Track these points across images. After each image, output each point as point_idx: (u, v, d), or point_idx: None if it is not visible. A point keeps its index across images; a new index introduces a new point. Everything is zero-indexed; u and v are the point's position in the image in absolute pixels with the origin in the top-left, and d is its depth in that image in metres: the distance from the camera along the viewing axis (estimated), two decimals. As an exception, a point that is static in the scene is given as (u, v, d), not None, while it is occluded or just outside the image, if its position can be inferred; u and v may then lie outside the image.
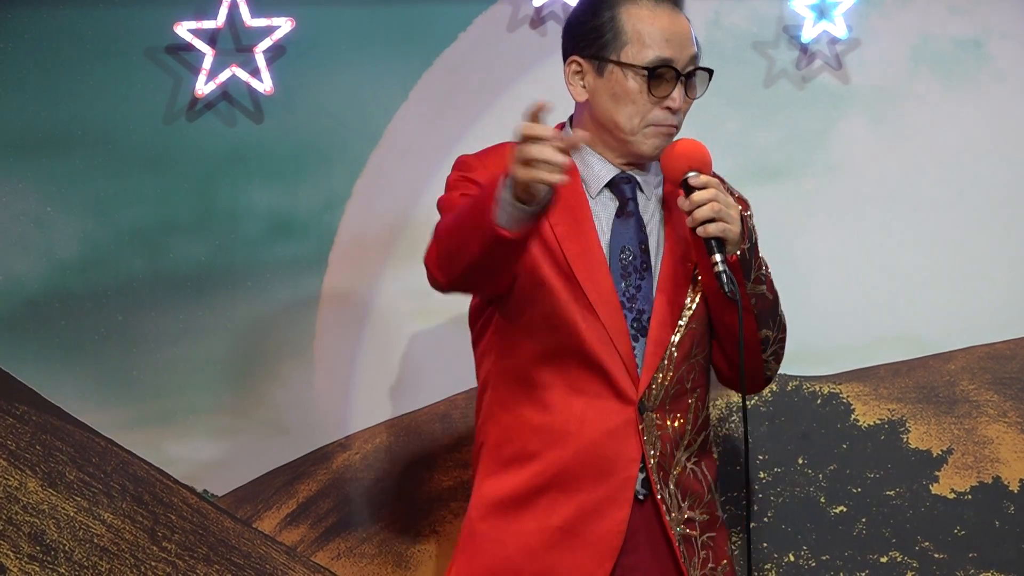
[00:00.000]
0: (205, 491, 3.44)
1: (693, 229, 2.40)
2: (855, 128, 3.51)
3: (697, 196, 2.40)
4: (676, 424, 2.54)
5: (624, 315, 2.50)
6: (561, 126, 2.61)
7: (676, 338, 2.52)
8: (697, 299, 2.55)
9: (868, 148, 3.49)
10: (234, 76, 3.39)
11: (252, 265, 3.48)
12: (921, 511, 3.39)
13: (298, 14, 3.39)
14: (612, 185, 2.55)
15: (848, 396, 3.43)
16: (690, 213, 2.40)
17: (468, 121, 3.48)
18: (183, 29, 3.37)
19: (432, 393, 3.42)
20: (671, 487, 2.51)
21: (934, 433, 3.44)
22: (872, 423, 3.43)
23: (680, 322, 2.52)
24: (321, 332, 3.47)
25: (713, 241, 2.39)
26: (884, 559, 3.39)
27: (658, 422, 2.51)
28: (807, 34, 3.39)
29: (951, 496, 3.41)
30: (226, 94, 3.44)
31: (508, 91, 3.48)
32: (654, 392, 2.50)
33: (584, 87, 2.55)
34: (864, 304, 3.47)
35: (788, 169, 3.49)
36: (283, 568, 3.40)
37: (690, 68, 2.52)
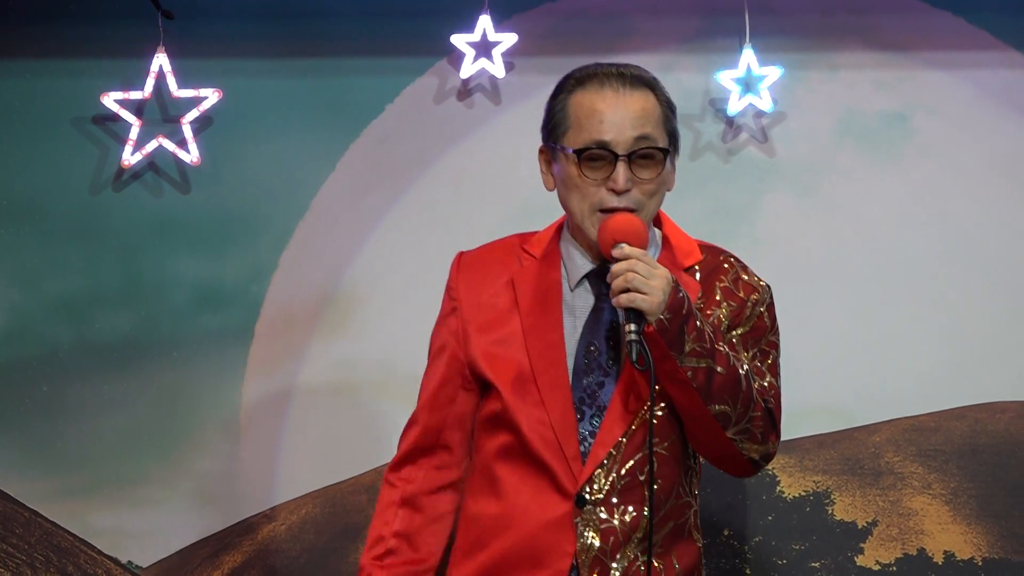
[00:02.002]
0: (130, 562, 3.46)
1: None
2: (781, 201, 3.56)
3: (614, 267, 2.41)
4: (627, 517, 2.53)
5: (581, 412, 2.51)
6: (562, 219, 2.64)
7: (631, 429, 2.52)
8: (661, 391, 2.53)
9: (793, 220, 3.55)
10: (161, 147, 3.45)
11: (178, 336, 3.51)
12: None
13: (225, 85, 3.44)
14: (590, 278, 2.57)
15: (773, 468, 3.48)
16: (610, 283, 2.43)
17: (396, 192, 3.53)
18: (110, 99, 3.43)
19: (357, 464, 3.47)
20: None
21: (859, 505, 3.49)
22: (797, 495, 3.48)
23: (639, 415, 2.52)
24: (247, 403, 3.50)
25: (630, 311, 2.39)
26: (809, 632, 3.44)
27: (601, 515, 2.51)
28: (733, 107, 3.46)
29: (876, 568, 3.47)
30: (153, 164, 3.49)
31: (436, 162, 3.54)
32: (595, 485, 2.51)
33: (552, 176, 2.58)
34: (789, 376, 3.31)
35: (714, 241, 3.35)
36: (208, 640, 3.43)
37: (637, 148, 2.49)
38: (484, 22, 3.42)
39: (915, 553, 3.46)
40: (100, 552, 3.45)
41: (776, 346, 2.68)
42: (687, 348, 2.45)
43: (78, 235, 3.53)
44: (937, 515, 3.48)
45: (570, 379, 2.52)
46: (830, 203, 3.55)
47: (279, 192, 3.53)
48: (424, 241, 3.49)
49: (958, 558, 3.46)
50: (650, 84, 2.55)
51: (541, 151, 2.60)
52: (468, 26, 3.44)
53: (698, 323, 2.47)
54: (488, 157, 3.50)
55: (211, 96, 3.42)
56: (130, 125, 3.45)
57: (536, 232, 2.66)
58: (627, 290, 2.40)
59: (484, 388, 2.60)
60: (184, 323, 3.52)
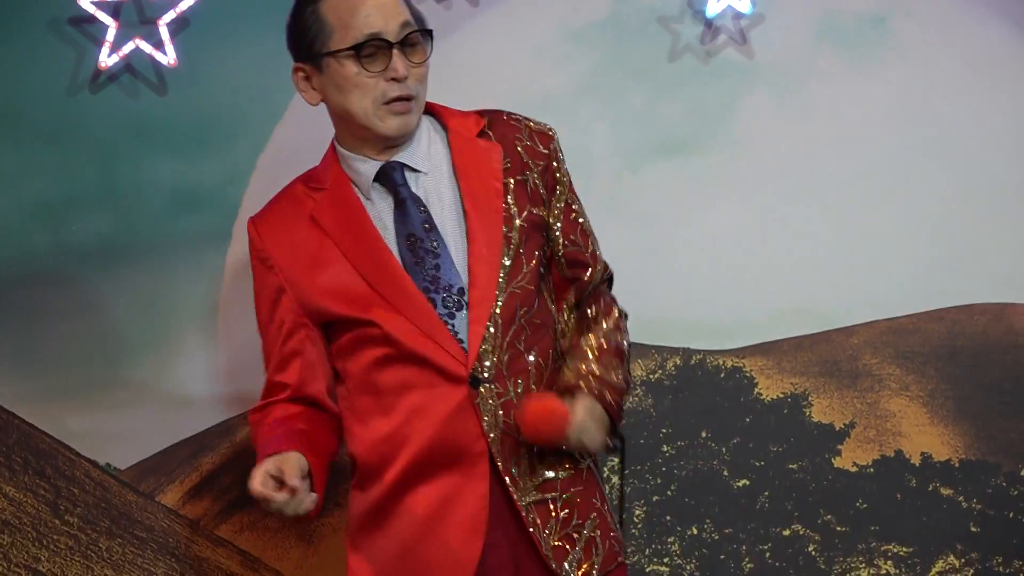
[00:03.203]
0: (108, 464, 3.53)
1: None
2: (759, 103, 3.60)
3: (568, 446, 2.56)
4: (519, 389, 2.60)
5: (432, 300, 2.58)
6: (331, 143, 2.73)
7: (499, 303, 2.60)
8: (512, 256, 2.61)
9: (771, 123, 3.60)
10: (137, 48, 3.48)
11: (155, 238, 3.55)
12: (823, 484, 3.53)
13: None
14: (381, 178, 2.64)
15: (751, 370, 3.56)
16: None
17: None
18: (86, 1, 3.44)
19: None
20: (521, 455, 2.58)
21: (836, 407, 3.57)
22: (775, 397, 3.56)
23: (498, 284, 2.60)
24: (225, 305, 3.55)
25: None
26: (786, 532, 3.53)
27: (498, 391, 2.58)
28: (712, 9, 3.52)
29: (853, 469, 3.54)
30: (129, 66, 3.52)
31: None
32: (486, 363, 2.57)
33: (315, 89, 2.65)
34: (767, 279, 3.58)
35: (692, 144, 3.59)
36: (186, 542, 3.50)
37: (404, 34, 2.57)
38: None
39: (892, 455, 3.54)
40: (78, 454, 3.51)
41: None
42: (623, 409, 2.68)
43: (54, 138, 3.55)
44: (914, 417, 3.56)
45: (408, 275, 2.59)
46: (808, 105, 3.60)
47: (257, 94, 3.54)
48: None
49: (935, 459, 3.54)
50: None
51: (297, 70, 2.67)
52: None
53: (614, 393, 2.63)
54: (466, 59, 3.54)
55: None
56: (107, 27, 3.47)
57: (311, 168, 2.76)
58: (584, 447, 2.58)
59: (332, 325, 2.66)
60: (162, 225, 3.56)
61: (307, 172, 2.75)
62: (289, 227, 2.68)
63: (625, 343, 2.72)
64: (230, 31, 3.55)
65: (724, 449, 3.53)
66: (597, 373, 2.62)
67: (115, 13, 3.46)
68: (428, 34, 2.61)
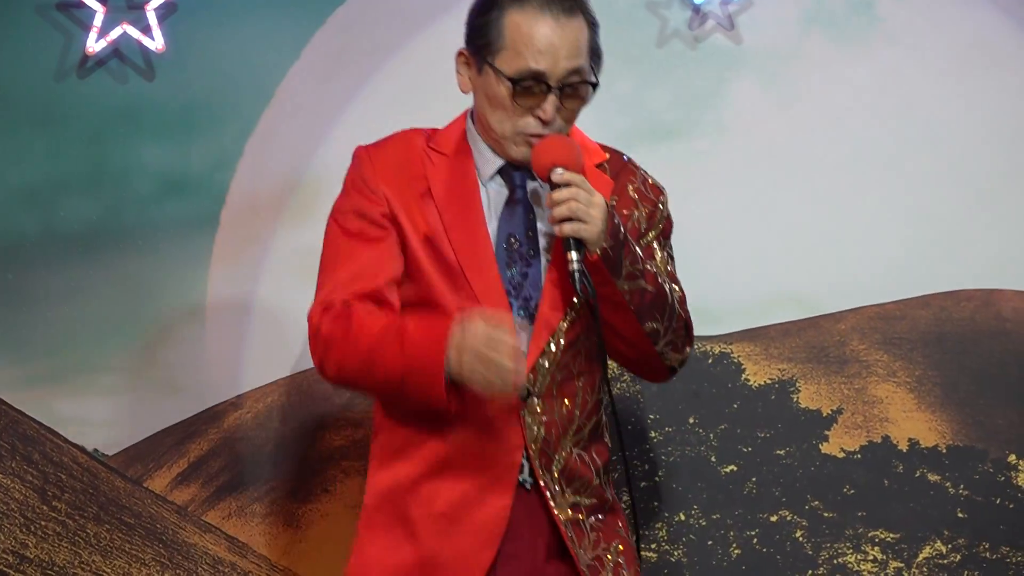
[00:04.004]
0: (96, 450, 3.57)
1: None
2: (747, 89, 3.64)
3: (555, 194, 2.48)
4: (563, 410, 2.62)
5: (510, 303, 2.58)
6: (465, 114, 2.71)
7: (565, 324, 2.60)
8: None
9: (760, 109, 3.64)
10: (125, 33, 3.54)
11: (143, 224, 3.60)
12: (811, 470, 3.57)
13: None
14: (503, 172, 2.64)
15: (739, 356, 3.60)
16: (552, 210, 2.50)
17: (360, 80, 3.61)
18: (74, -15, 3.50)
19: None
20: (554, 473, 2.59)
21: (824, 393, 3.60)
22: (762, 383, 3.60)
23: (570, 308, 2.60)
24: (213, 291, 3.60)
25: (571, 240, 2.47)
26: (774, 518, 3.56)
27: (543, 407, 2.59)
28: (700, -7, 3.56)
29: (840, 455, 3.58)
30: (117, 51, 3.57)
31: (400, 50, 3.61)
32: (539, 378, 2.59)
33: (468, 80, 2.64)
34: (755, 264, 3.62)
35: (680, 129, 3.63)
36: (173, 528, 3.54)
37: (568, 80, 2.56)
38: None
39: (880, 440, 3.58)
40: (66, 440, 3.55)
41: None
42: (624, 271, 2.55)
43: (42, 123, 3.60)
44: (902, 403, 3.60)
45: (499, 271, 2.58)
46: (797, 91, 3.64)
47: (244, 79, 3.60)
48: (389, 129, 3.50)
49: (922, 445, 3.58)
50: (582, 7, 2.61)
51: (461, 54, 2.64)
52: None
53: (632, 246, 2.58)
54: (454, 44, 3.55)
55: None
56: (94, 11, 3.52)
57: (437, 129, 2.73)
58: (569, 218, 2.47)
59: (408, 273, 2.62)
60: (149, 211, 3.60)
61: (429, 129, 2.74)
62: (400, 172, 2.67)
63: (670, 294, 2.66)
64: (218, 16, 3.59)
65: (711, 435, 3.56)
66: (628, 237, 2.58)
67: None
68: (593, 87, 2.61)
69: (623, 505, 2.76)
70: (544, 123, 2.57)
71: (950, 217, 3.64)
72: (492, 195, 2.66)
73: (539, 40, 2.54)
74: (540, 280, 2.61)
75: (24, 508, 3.50)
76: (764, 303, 3.63)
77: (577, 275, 2.46)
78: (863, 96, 3.64)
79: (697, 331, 3.48)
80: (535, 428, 2.59)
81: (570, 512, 2.62)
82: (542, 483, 2.58)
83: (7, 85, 3.59)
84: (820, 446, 3.58)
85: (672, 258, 2.79)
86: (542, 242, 2.63)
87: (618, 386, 3.57)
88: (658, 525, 3.55)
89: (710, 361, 3.57)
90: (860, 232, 3.63)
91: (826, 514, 3.56)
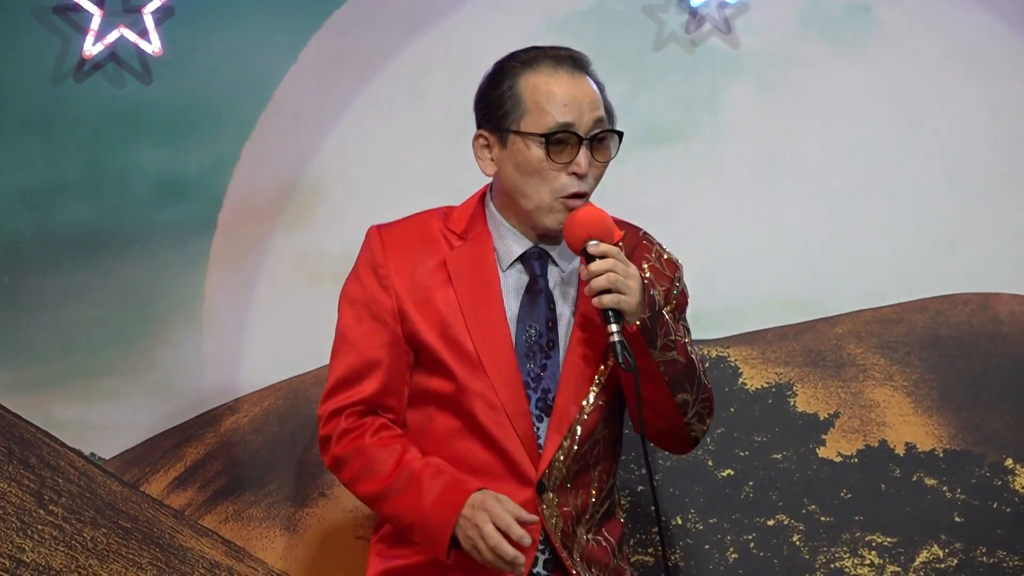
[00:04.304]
0: (93, 454, 3.56)
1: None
2: (743, 92, 3.65)
3: (593, 266, 2.47)
4: (579, 501, 2.62)
5: (527, 395, 2.58)
6: (482, 194, 2.71)
7: (583, 417, 2.60)
8: (607, 374, 2.61)
9: (756, 113, 3.64)
10: (122, 37, 3.54)
11: (140, 227, 3.59)
12: (807, 474, 3.57)
13: None
14: (524, 259, 2.63)
15: (736, 359, 3.60)
16: (588, 283, 2.48)
17: (358, 84, 3.61)
18: (71, -12, 3.51)
19: (321, 356, 3.46)
20: (576, 561, 2.59)
21: (821, 397, 3.60)
22: (759, 387, 3.60)
23: (587, 399, 2.60)
24: (210, 295, 3.59)
25: (609, 312, 2.46)
26: (771, 522, 3.56)
27: (559, 501, 2.59)
28: (696, -3, 3.57)
29: (837, 459, 3.58)
30: (114, 55, 3.58)
31: (399, 54, 3.61)
32: (555, 472, 2.58)
33: (492, 159, 2.62)
34: (751, 268, 3.62)
35: (677, 133, 3.63)
36: (170, 531, 3.54)
37: (595, 132, 2.57)
38: None
39: (876, 444, 3.58)
40: (63, 444, 3.55)
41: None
42: (659, 343, 2.55)
43: (39, 126, 3.60)
44: (899, 407, 3.60)
45: (517, 362, 2.58)
46: (793, 94, 3.65)
47: (241, 83, 3.60)
48: (387, 133, 3.61)
49: (919, 449, 3.58)
50: (587, 68, 2.64)
51: (480, 136, 2.62)
52: None
53: (665, 318, 2.57)
54: (452, 48, 3.59)
55: None
56: (91, 15, 3.53)
57: (453, 208, 2.72)
58: (609, 290, 2.46)
59: (426, 365, 2.63)
60: (146, 214, 3.60)
61: (446, 210, 2.72)
62: (416, 257, 2.65)
63: (698, 365, 2.69)
64: (215, 20, 3.60)
65: (708, 439, 3.55)
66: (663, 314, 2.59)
67: (100, 1, 3.54)
68: (618, 135, 2.62)
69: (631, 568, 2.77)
70: (579, 178, 2.57)
71: (947, 221, 3.63)
72: (512, 282, 2.65)
73: (561, 95, 2.56)
74: (558, 372, 2.60)
75: (21, 512, 3.50)
76: (761, 306, 3.63)
77: (619, 347, 2.44)
78: (859, 99, 3.64)
79: (694, 335, 3.48)
80: (554, 521, 2.59)
81: None
82: (568, 563, 2.57)
83: (4, 89, 3.59)
84: (817, 450, 3.57)
85: (688, 331, 2.77)
86: (561, 332, 2.62)
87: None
88: (654, 529, 3.54)
89: (707, 365, 3.52)
90: (857, 236, 3.63)
91: (823, 518, 3.56)
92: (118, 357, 3.59)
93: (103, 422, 3.58)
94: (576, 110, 2.57)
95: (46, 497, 3.50)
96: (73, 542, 3.50)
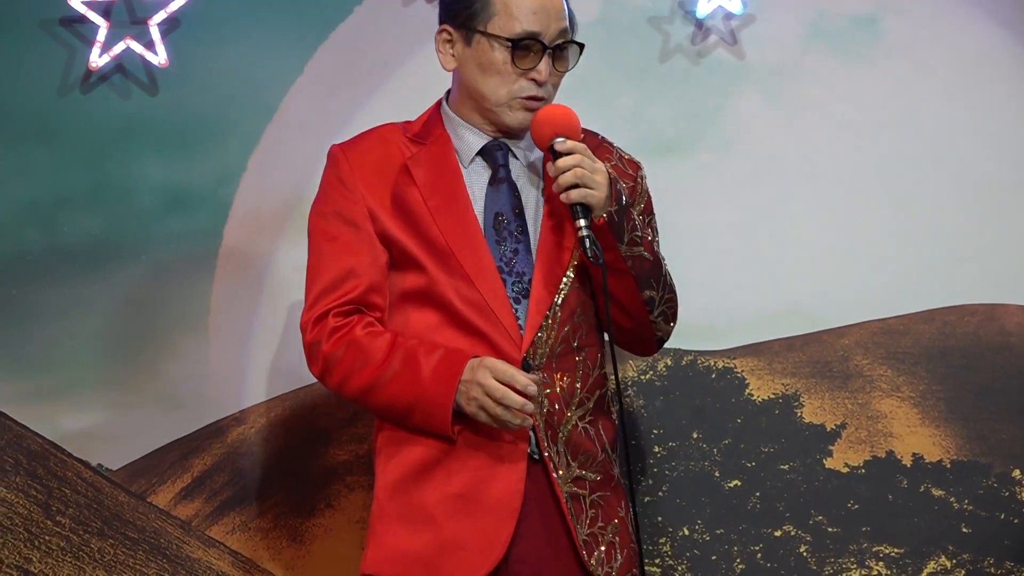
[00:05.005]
0: (99, 465, 3.58)
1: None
2: (749, 103, 3.66)
3: (560, 162, 2.55)
4: (564, 383, 2.66)
5: (503, 279, 2.65)
6: (438, 103, 2.78)
7: (559, 298, 2.66)
8: (580, 260, 2.67)
9: (763, 123, 3.66)
10: (128, 49, 3.55)
11: (146, 238, 3.61)
12: (815, 485, 3.58)
13: None
14: (484, 153, 2.71)
15: (742, 371, 3.62)
16: (556, 179, 2.56)
17: (364, 96, 3.62)
18: (77, 1, 3.51)
19: None
20: (559, 445, 2.64)
21: (828, 408, 3.62)
22: (766, 398, 3.62)
23: (563, 281, 2.67)
24: (216, 306, 3.60)
25: (577, 207, 2.54)
26: (778, 533, 3.58)
27: (545, 381, 2.64)
28: (702, 9, 3.59)
29: (844, 470, 3.60)
30: (120, 67, 3.59)
31: (404, 65, 3.62)
32: (539, 351, 2.64)
33: (453, 56, 2.70)
34: (758, 279, 3.64)
35: (683, 144, 3.65)
36: (177, 542, 3.56)
37: (558, 41, 2.65)
38: None
39: (884, 455, 3.60)
40: (70, 455, 3.56)
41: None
42: (626, 237, 2.62)
43: (45, 138, 3.60)
44: (906, 418, 3.62)
45: (489, 248, 2.65)
46: (799, 105, 3.66)
47: (247, 94, 3.61)
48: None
49: (927, 460, 3.60)
50: None
51: (443, 31, 2.70)
52: None
53: (632, 212, 2.65)
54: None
55: None
56: (97, 27, 3.53)
57: (409, 121, 2.79)
58: (576, 185, 2.54)
59: (399, 264, 2.69)
60: (152, 226, 3.61)
61: (403, 123, 2.80)
62: (378, 165, 2.73)
63: (664, 266, 2.74)
64: (221, 31, 3.60)
65: (715, 450, 3.58)
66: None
67: (106, 13, 3.54)
68: (580, 47, 2.68)
69: (624, 489, 2.79)
70: (539, 84, 2.65)
71: (953, 231, 3.65)
72: (474, 178, 2.72)
73: (530, 2, 2.62)
74: (532, 255, 2.67)
75: (28, 523, 3.52)
76: (767, 317, 3.64)
77: (587, 240, 2.51)
78: (866, 110, 3.66)
79: (700, 346, 3.61)
80: (540, 399, 2.62)
81: (571, 486, 2.65)
82: (547, 455, 2.63)
83: (10, 100, 3.60)
84: (824, 461, 3.59)
85: (656, 233, 2.83)
86: (529, 217, 2.69)
87: (622, 402, 3.56)
88: (662, 540, 3.57)
89: (713, 376, 3.59)
90: (863, 246, 3.64)
91: (830, 529, 3.57)
92: (124, 368, 3.60)
93: (110, 433, 3.59)
94: (544, 19, 2.64)
95: (53, 508, 3.52)
96: (80, 553, 3.52)
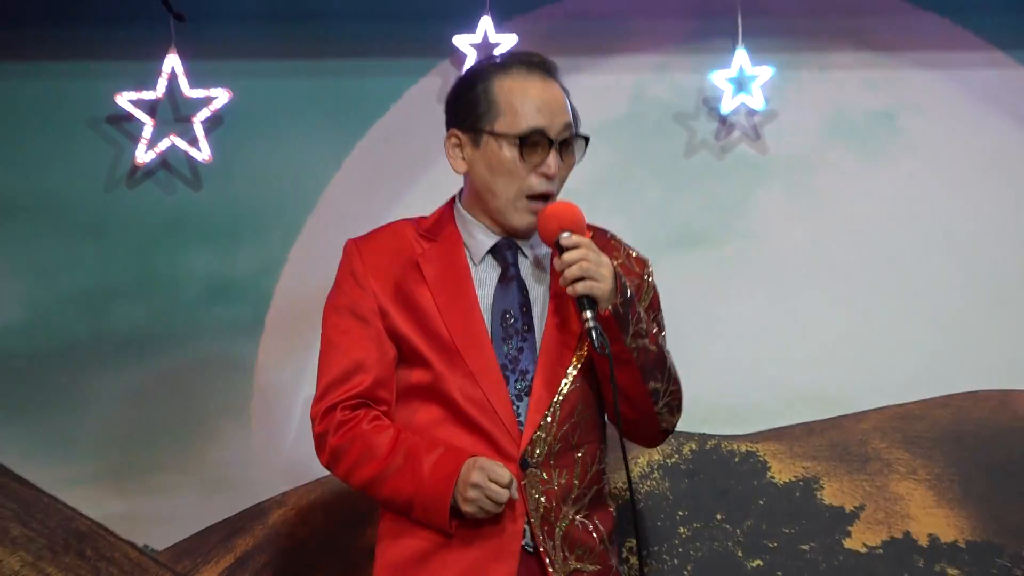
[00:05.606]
0: (146, 546, 3.65)
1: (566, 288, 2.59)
2: (772, 196, 3.73)
3: (566, 256, 2.55)
4: (563, 480, 2.67)
5: (505, 378, 2.65)
6: (451, 200, 2.81)
7: (559, 397, 2.66)
8: (583, 358, 2.69)
9: (785, 216, 3.73)
10: (173, 145, 3.64)
11: (191, 328, 3.67)
12: (834, 565, 3.66)
13: (235, 85, 3.63)
14: (495, 251, 2.72)
15: (764, 454, 3.70)
16: (562, 273, 2.56)
17: (400, 189, 3.69)
18: (124, 99, 3.62)
19: None
20: (556, 540, 2.65)
21: (847, 490, 3.69)
22: (787, 480, 3.69)
23: (564, 380, 2.67)
24: (258, 392, 3.67)
25: (583, 299, 2.53)
26: (799, 610, 3.67)
27: (543, 477, 2.65)
28: (726, 106, 3.67)
29: (863, 551, 3.67)
30: (165, 162, 3.67)
31: (439, 159, 3.43)
32: (537, 449, 2.64)
33: (463, 159, 2.71)
34: (780, 365, 3.70)
35: (708, 236, 3.72)
36: (221, 620, 3.64)
37: (564, 135, 2.65)
38: (485, 23, 3.63)
39: (901, 536, 3.67)
40: (117, 536, 3.63)
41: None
42: (631, 329, 2.63)
43: (93, 231, 3.67)
44: (922, 499, 3.69)
45: (492, 347, 2.65)
46: (820, 198, 3.73)
47: (288, 189, 3.68)
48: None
49: (942, 541, 3.66)
50: (555, 74, 2.69)
51: (452, 136, 2.71)
52: (470, 27, 3.64)
53: (637, 305, 2.65)
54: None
55: (221, 96, 3.62)
56: (143, 124, 3.62)
57: (423, 217, 2.80)
58: (581, 278, 2.54)
59: (407, 359, 2.70)
60: (197, 315, 3.67)
61: (417, 218, 2.81)
62: (390, 261, 2.74)
63: (669, 358, 2.75)
64: (263, 128, 3.68)
65: (738, 531, 3.65)
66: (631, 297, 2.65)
67: (151, 111, 3.62)
68: (585, 140, 2.70)
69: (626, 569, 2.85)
70: (548, 179, 2.65)
71: (968, 320, 3.70)
72: (484, 275, 2.71)
73: (534, 99, 2.63)
74: (535, 353, 2.67)
75: None
76: (789, 402, 3.70)
77: (594, 332, 2.51)
78: (884, 203, 3.72)
79: (724, 430, 3.66)
80: (536, 496, 2.64)
81: None
82: (542, 549, 2.64)
83: (60, 195, 3.66)
84: (843, 541, 3.65)
85: (663, 328, 2.83)
86: (536, 314, 2.69)
87: (648, 483, 3.66)
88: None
89: (737, 459, 3.67)
90: (881, 334, 3.69)
91: None
92: (169, 453, 3.65)
93: (155, 515, 3.63)
94: (548, 114, 2.63)
95: None
96: None
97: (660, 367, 2.71)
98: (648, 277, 2.82)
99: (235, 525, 3.65)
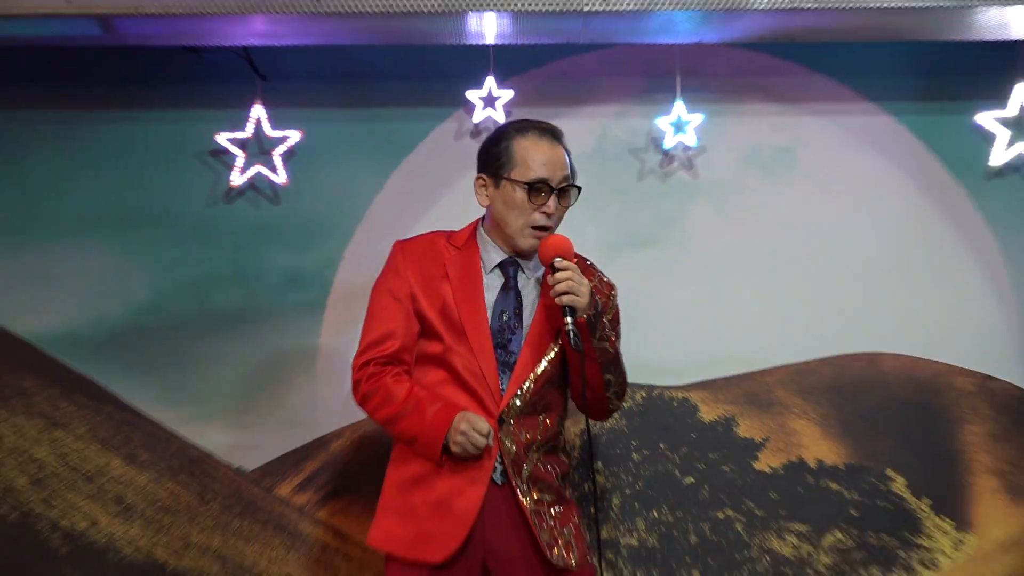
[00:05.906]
0: (240, 467, 4.25)
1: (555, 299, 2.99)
2: (703, 212, 4.27)
3: (558, 275, 2.99)
4: (528, 435, 3.09)
5: (496, 356, 3.06)
6: (476, 222, 3.21)
7: (534, 375, 3.08)
8: (555, 352, 3.11)
9: (712, 226, 4.28)
10: (259, 172, 4.22)
11: (272, 307, 4.22)
12: (747, 481, 4.26)
13: (305, 127, 4.23)
14: (502, 266, 3.15)
15: (695, 400, 4.28)
16: (553, 287, 2.98)
17: (426, 205, 4.28)
18: (222, 138, 4.23)
19: None
20: (523, 477, 3.07)
21: (756, 426, 4.29)
22: (712, 419, 4.29)
23: (539, 365, 3.09)
24: (322, 354, 4.23)
25: (567, 308, 2.97)
26: (720, 515, 4.26)
27: (515, 431, 3.06)
28: (668, 143, 4.23)
29: (768, 471, 4.27)
30: (253, 185, 4.24)
31: (455, 184, 4.27)
32: (512, 410, 3.06)
33: (487, 196, 3.12)
34: (708, 335, 4.27)
35: (654, 240, 4.26)
36: (295, 522, 4.21)
37: (562, 185, 3.07)
38: (490, 82, 4.20)
39: (796, 460, 4.26)
40: (218, 460, 4.23)
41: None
42: (598, 334, 3.05)
43: (200, 236, 4.20)
44: (812, 433, 4.26)
45: (490, 334, 3.07)
46: (738, 213, 4.25)
47: (344, 204, 4.19)
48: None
49: (826, 464, 4.26)
50: (561, 139, 3.09)
51: (480, 178, 3.09)
52: (478, 84, 4.18)
53: (604, 318, 3.08)
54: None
55: (294, 135, 4.21)
56: (236, 156, 4.16)
57: (455, 232, 3.19)
58: (567, 292, 2.97)
59: (427, 334, 3.09)
60: (276, 298, 4.19)
61: (449, 232, 3.19)
62: (425, 262, 3.10)
63: (621, 358, 3.07)
64: (324, 159, 4.21)
65: (676, 456, 4.23)
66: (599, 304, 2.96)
67: (243, 147, 4.20)
68: (578, 189, 3.07)
69: (575, 503, 3.20)
70: (548, 216, 3.05)
71: (847, 300, 4.24)
72: (491, 283, 3.10)
73: (541, 157, 3.04)
74: (520, 343, 3.08)
75: (188, 508, 4.17)
76: (714, 362, 4.22)
77: (572, 332, 2.91)
78: (786, 217, 4.25)
79: (663, 382, 4.18)
80: (508, 444, 3.05)
81: (534, 505, 3.04)
82: (513, 483, 3.03)
83: (174, 210, 4.19)
84: (753, 464, 4.23)
85: (619, 336, 3.21)
86: (525, 319, 3.09)
87: (610, 421, 4.17)
88: (638, 519, 4.19)
89: (675, 404, 4.25)
90: (782, 312, 4.24)
91: (758, 512, 4.21)
92: (256, 399, 4.15)
93: (246, 444, 4.16)
94: (551, 169, 3.03)
95: (207, 497, 4.15)
96: (227, 529, 4.15)
97: (615, 364, 3.11)
98: (613, 298, 3.20)
99: (305, 452, 4.18)
